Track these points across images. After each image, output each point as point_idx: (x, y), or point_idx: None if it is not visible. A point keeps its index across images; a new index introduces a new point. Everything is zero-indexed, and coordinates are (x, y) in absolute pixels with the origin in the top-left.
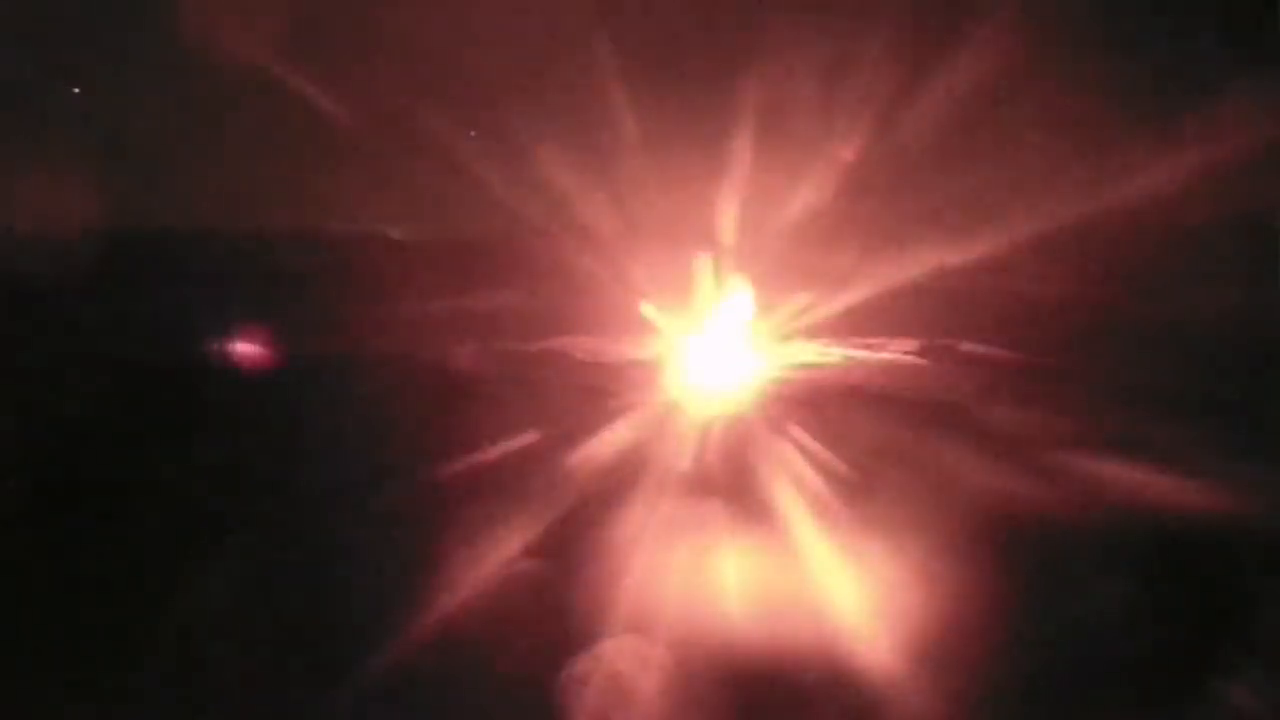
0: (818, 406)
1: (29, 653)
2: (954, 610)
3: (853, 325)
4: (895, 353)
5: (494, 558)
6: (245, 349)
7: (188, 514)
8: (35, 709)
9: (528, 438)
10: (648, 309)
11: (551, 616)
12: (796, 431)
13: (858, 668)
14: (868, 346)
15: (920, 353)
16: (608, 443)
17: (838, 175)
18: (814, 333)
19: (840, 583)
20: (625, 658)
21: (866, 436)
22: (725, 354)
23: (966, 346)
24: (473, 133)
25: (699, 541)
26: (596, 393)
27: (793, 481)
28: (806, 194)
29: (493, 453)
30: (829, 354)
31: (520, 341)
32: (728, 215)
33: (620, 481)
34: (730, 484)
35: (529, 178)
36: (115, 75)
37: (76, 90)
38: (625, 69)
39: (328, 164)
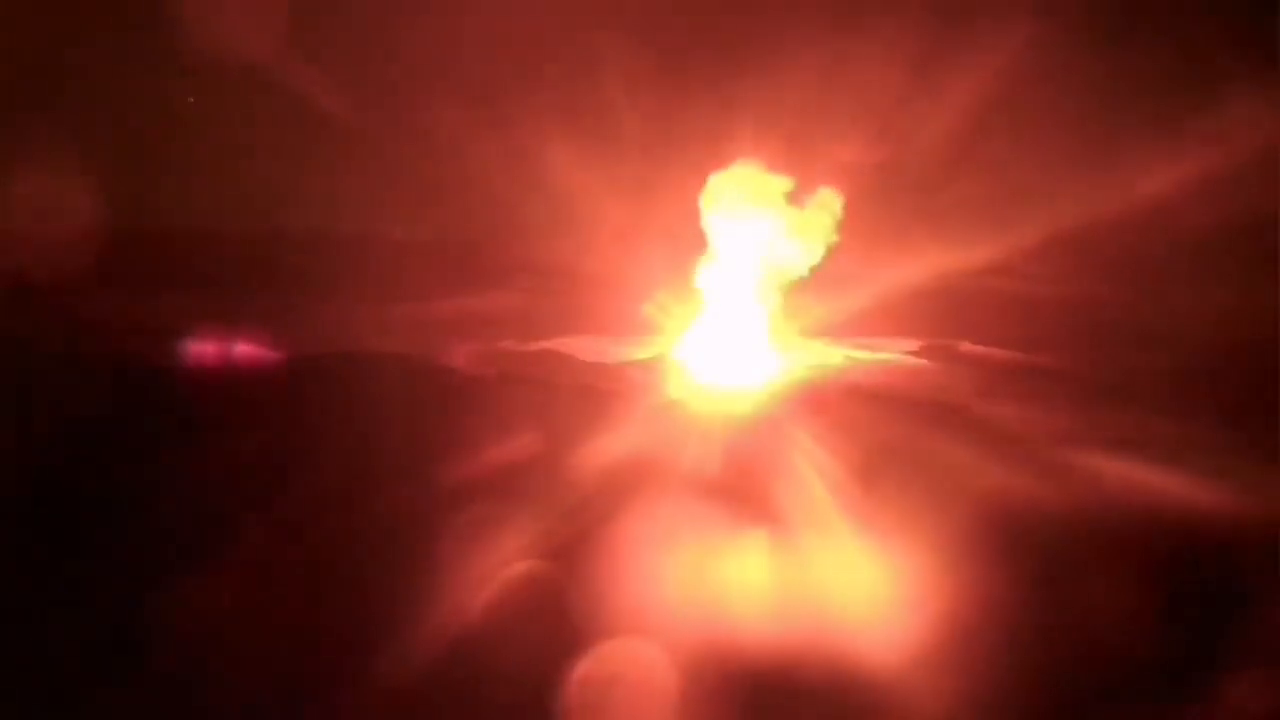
0: (819, 406)
1: (28, 653)
2: (955, 608)
3: (853, 325)
4: (895, 353)
5: (496, 558)
6: (245, 349)
7: (189, 514)
8: (37, 708)
9: (528, 438)
10: (648, 309)
11: (554, 617)
12: (798, 430)
13: (859, 666)
14: (868, 346)
15: (920, 353)
16: (609, 442)
17: (839, 177)
18: (815, 333)
19: (842, 581)
20: (627, 658)
21: (868, 435)
22: (726, 354)
23: (966, 346)
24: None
25: (701, 541)
26: (597, 393)
27: (794, 480)
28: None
29: (494, 453)
30: (831, 354)
31: (520, 341)
32: (728, 216)
33: (622, 481)
34: (732, 483)
35: (529, 178)
36: (115, 75)
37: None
38: (627, 70)
39: (328, 164)
